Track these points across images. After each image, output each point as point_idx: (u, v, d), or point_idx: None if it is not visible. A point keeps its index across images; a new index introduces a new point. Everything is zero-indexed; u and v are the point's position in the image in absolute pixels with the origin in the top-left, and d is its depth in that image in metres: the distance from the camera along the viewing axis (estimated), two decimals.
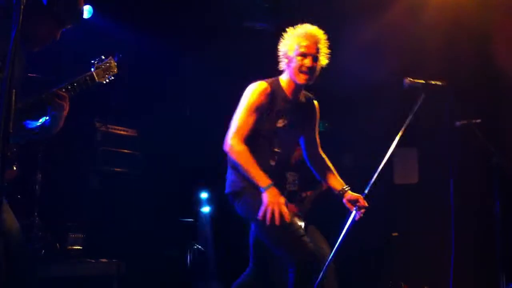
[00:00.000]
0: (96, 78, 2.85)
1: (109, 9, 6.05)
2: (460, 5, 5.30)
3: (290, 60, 3.34)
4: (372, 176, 3.30)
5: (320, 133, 3.64)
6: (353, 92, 6.00)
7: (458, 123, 4.15)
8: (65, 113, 2.65)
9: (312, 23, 3.42)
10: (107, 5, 6.03)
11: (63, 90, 2.68)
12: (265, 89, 3.34)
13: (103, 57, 2.95)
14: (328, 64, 3.42)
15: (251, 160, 3.14)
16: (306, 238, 3.17)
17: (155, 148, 6.40)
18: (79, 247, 5.20)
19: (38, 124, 2.70)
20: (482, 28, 5.27)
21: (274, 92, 3.35)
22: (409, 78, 3.36)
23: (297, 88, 3.41)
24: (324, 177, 3.57)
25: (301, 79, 3.33)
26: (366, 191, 3.36)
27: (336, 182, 3.52)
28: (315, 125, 3.58)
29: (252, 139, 3.25)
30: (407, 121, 3.31)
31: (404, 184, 6.42)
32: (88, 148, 5.91)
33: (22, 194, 4.84)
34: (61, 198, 5.53)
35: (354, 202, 3.40)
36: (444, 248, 5.43)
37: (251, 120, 3.26)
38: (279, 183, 3.21)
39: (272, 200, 3.00)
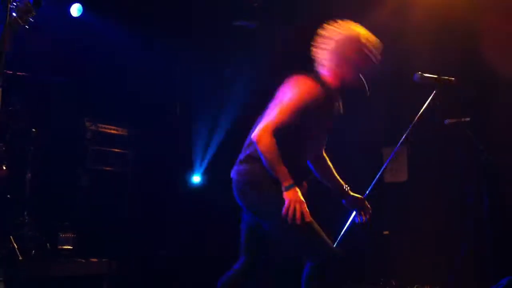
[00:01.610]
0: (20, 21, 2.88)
1: (99, 7, 6.04)
2: (448, 4, 5.33)
3: (358, 64, 3.23)
4: (375, 176, 3.25)
5: None
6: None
7: (447, 121, 4.16)
8: None
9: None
10: (98, 3, 6.02)
11: None
12: (320, 91, 3.12)
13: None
14: None
15: (279, 156, 2.98)
16: (324, 235, 3.08)
17: (146, 147, 6.39)
18: (69, 247, 5.19)
19: None
20: (470, 27, 5.29)
21: (327, 94, 3.16)
22: (420, 73, 3.30)
23: (342, 89, 3.29)
24: (324, 177, 3.46)
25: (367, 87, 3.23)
26: (367, 192, 3.32)
27: (336, 182, 3.44)
28: None
29: (292, 138, 3.08)
30: (418, 116, 3.23)
31: (394, 182, 6.42)
32: (78, 147, 5.89)
33: (11, 194, 4.82)
34: (51, 198, 5.50)
35: (354, 203, 3.38)
36: (435, 246, 5.48)
37: (294, 117, 3.05)
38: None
39: (294, 199, 2.95)
